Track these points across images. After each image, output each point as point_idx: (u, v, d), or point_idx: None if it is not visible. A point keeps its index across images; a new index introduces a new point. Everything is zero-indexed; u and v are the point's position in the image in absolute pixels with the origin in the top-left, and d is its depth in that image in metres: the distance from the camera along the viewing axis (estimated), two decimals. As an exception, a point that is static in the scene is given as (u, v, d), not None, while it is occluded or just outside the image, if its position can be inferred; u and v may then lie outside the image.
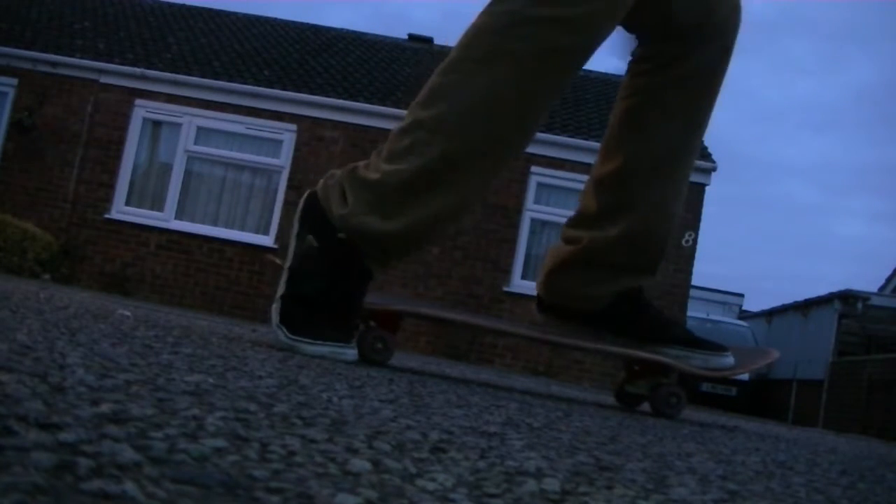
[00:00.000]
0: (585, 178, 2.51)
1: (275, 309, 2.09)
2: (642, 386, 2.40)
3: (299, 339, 2.04)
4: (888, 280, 21.24)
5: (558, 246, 2.41)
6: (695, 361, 2.30)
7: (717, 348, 2.34)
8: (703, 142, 2.41)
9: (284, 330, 2.06)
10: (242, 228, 11.74)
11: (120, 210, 11.73)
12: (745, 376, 16.76)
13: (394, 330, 2.24)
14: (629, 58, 2.34)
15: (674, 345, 2.32)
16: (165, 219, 11.70)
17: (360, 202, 2.03)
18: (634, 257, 2.32)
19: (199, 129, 11.82)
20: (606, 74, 14.06)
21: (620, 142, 2.30)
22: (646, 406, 2.41)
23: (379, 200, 2.02)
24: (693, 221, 11.23)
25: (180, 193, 11.80)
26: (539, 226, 11.47)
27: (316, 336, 2.04)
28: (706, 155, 11.51)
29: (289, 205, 11.56)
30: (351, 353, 2.05)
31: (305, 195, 2.16)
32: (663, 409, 2.28)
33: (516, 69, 1.97)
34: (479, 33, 2.00)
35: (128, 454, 0.55)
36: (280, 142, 11.72)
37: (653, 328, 2.34)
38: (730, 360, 2.32)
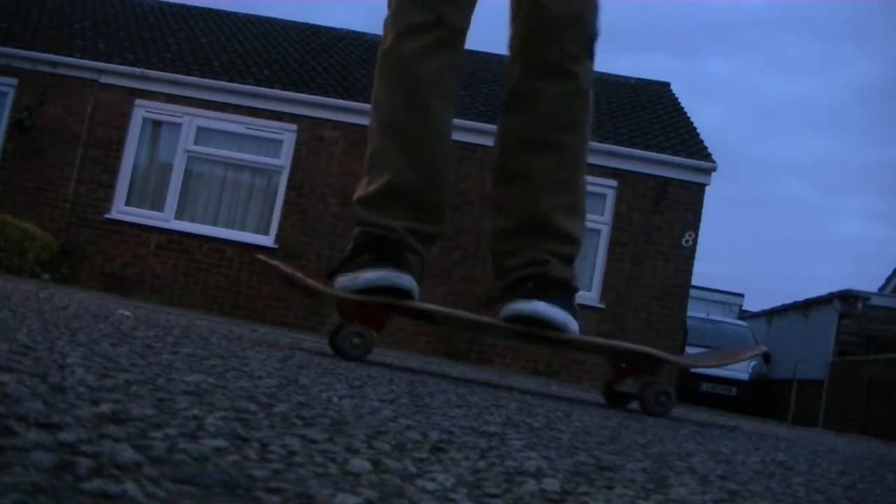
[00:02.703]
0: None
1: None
2: (631, 384, 2.38)
3: (340, 275, 2.28)
4: (888, 280, 21.22)
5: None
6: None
7: None
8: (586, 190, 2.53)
9: (331, 284, 2.29)
10: (242, 228, 11.74)
11: (120, 210, 11.72)
12: (744, 376, 16.74)
13: (377, 328, 2.23)
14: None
15: None
16: (165, 219, 11.70)
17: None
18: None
19: (199, 129, 11.82)
20: (606, 74, 14.06)
21: (498, 195, 2.51)
22: (635, 405, 2.40)
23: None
24: (693, 221, 11.22)
25: (180, 193, 11.79)
26: (539, 226, 11.46)
27: (355, 268, 2.26)
28: (706, 155, 11.50)
29: (289, 205, 11.56)
30: (406, 277, 2.20)
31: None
32: (653, 408, 2.26)
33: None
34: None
35: (128, 454, 0.55)
36: (280, 142, 11.72)
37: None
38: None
